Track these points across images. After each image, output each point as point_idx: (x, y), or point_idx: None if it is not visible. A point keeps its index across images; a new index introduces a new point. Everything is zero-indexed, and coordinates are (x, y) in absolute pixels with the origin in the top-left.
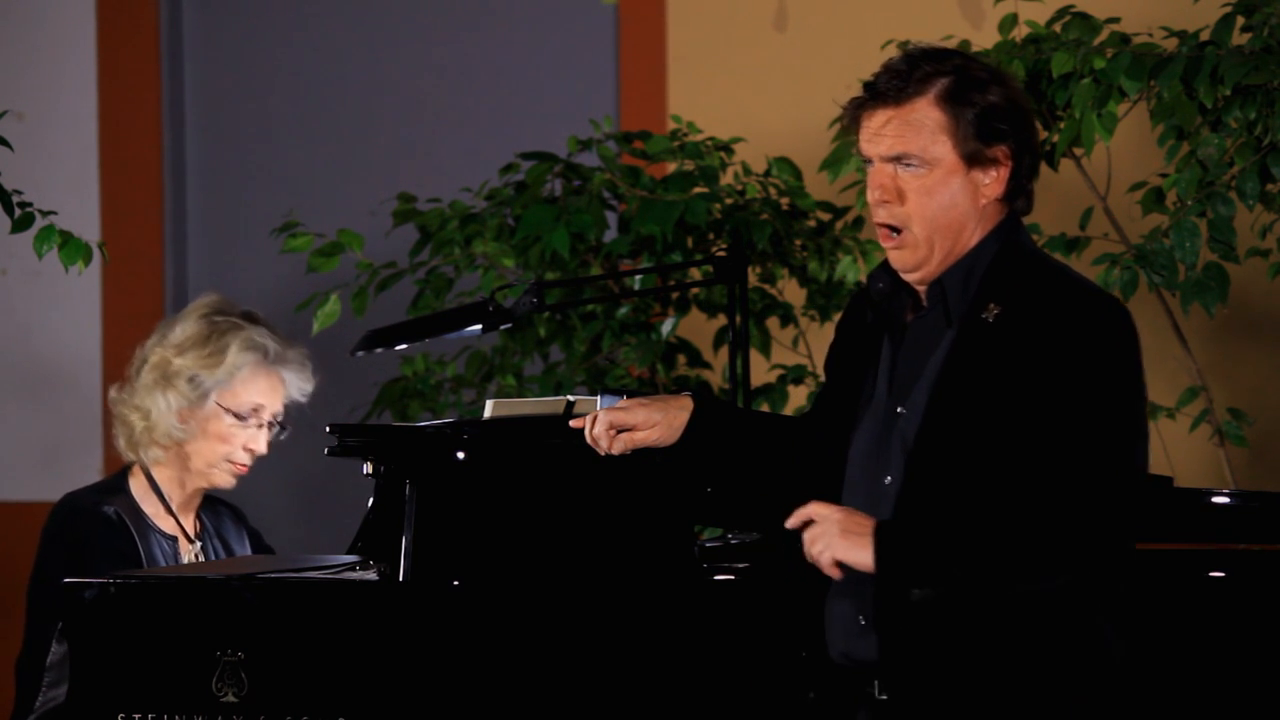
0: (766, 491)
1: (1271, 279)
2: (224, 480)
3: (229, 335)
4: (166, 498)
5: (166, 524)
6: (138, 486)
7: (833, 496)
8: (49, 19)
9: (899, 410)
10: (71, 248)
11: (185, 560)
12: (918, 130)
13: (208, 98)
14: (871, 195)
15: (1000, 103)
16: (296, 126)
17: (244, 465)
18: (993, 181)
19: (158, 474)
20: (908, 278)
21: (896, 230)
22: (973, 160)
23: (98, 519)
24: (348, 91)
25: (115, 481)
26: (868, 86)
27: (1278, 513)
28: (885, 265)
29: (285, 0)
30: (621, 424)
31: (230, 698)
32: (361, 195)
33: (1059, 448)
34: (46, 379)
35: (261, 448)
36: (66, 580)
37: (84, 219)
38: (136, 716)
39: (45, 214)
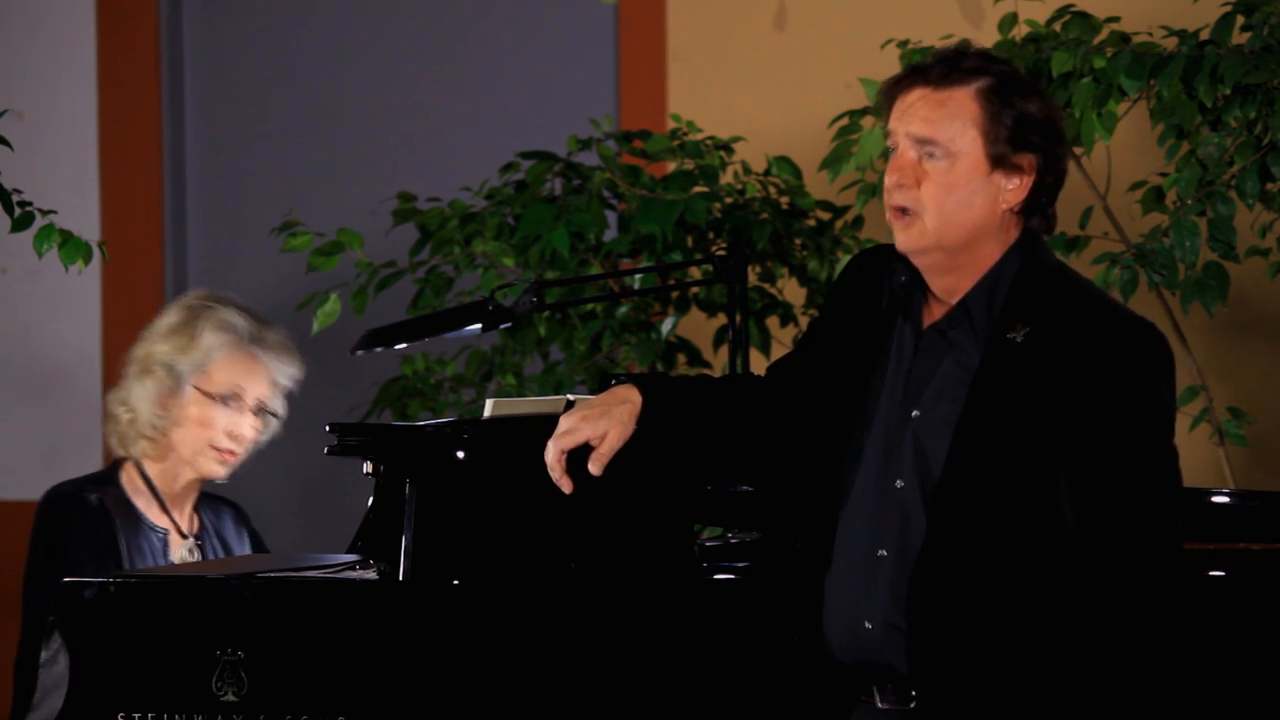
0: (734, 450)
1: (1271, 278)
2: (211, 469)
3: (202, 318)
4: (160, 492)
5: (159, 519)
6: (129, 481)
7: (792, 453)
8: (49, 19)
9: (913, 414)
10: (71, 247)
11: (175, 555)
12: (951, 116)
13: (208, 98)
14: (889, 179)
15: (1038, 115)
16: (296, 126)
17: (230, 452)
18: (1015, 189)
19: (149, 468)
20: (916, 261)
21: (907, 212)
22: (998, 163)
23: (77, 504)
24: (348, 91)
25: (105, 474)
26: (911, 67)
27: (1278, 512)
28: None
29: (285, 0)
30: (572, 446)
31: (230, 697)
32: (361, 195)
33: (1103, 490)
34: (46, 378)
35: (245, 431)
36: (66, 580)
37: (84, 219)
38: (136, 715)
39: (45, 213)
